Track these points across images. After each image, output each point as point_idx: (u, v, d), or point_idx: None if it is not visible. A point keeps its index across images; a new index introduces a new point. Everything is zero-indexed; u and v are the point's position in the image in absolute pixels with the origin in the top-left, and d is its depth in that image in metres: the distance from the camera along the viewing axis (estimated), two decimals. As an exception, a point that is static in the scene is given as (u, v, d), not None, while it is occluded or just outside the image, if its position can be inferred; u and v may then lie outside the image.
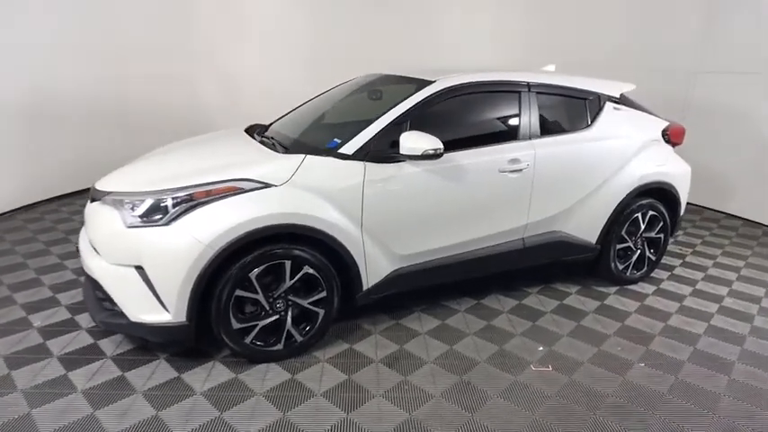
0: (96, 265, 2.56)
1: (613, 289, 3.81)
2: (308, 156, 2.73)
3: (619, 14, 6.39)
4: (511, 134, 3.21)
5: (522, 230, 3.30)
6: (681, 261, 4.44)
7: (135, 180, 2.70)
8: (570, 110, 3.52)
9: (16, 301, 3.35)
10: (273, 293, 2.65)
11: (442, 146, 2.73)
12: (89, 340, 2.90)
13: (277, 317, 2.69)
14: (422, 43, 7.17)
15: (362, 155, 2.77)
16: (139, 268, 2.45)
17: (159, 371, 2.65)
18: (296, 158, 2.70)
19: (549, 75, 3.50)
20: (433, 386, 2.59)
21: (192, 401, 2.43)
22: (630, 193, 3.59)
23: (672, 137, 3.85)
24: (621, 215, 3.64)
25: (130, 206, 2.50)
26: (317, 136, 3.26)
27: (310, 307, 2.75)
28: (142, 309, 2.47)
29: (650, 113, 3.86)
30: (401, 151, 2.73)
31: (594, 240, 3.60)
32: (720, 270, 4.27)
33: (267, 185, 2.57)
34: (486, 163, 3.05)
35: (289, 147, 2.98)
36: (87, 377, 2.58)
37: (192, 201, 2.47)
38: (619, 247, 3.73)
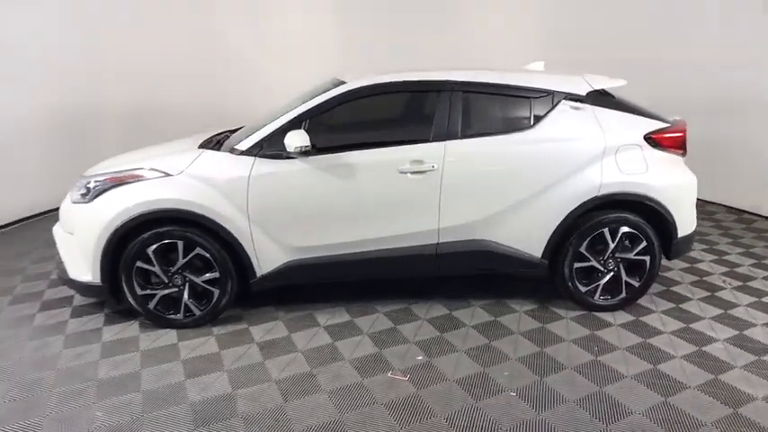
0: (56, 231, 3.28)
1: (574, 314, 3.34)
2: (206, 151, 3.08)
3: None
4: (421, 135, 3.09)
5: (433, 235, 3.14)
6: (706, 294, 3.63)
7: (91, 169, 3.37)
8: (509, 110, 3.21)
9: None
10: (171, 269, 3.05)
11: (308, 144, 2.83)
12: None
13: (176, 290, 3.08)
14: (452, 43, 7.17)
15: (256, 151, 3.00)
16: (73, 236, 3.09)
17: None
18: (194, 153, 3.07)
19: (487, 73, 3.22)
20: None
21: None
22: (585, 203, 3.12)
23: (662, 142, 3.21)
24: (577, 229, 3.18)
25: (77, 187, 3.15)
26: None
27: (205, 285, 3.08)
28: (76, 269, 3.09)
29: (641, 113, 3.28)
30: (286, 149, 2.91)
31: (539, 254, 3.22)
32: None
33: (167, 175, 2.99)
34: (383, 163, 3.01)
35: (221, 145, 3.35)
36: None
37: (106, 185, 3.01)
38: (578, 265, 3.26)
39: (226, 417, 2.37)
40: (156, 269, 3.03)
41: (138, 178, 3.00)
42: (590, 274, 3.31)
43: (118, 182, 3.01)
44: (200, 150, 3.10)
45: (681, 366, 2.77)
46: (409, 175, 3.01)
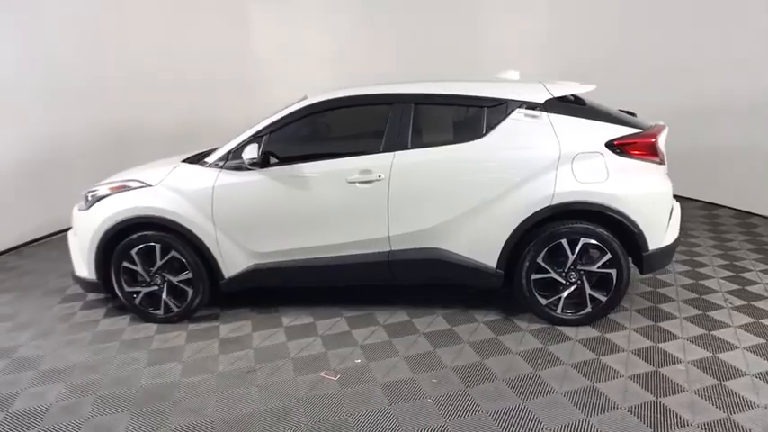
0: (69, 236, 3.79)
1: (535, 326, 3.25)
2: (182, 164, 3.43)
3: None
4: (373, 147, 3.20)
5: (385, 243, 3.22)
6: (696, 313, 3.36)
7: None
8: (461, 120, 3.23)
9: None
10: (152, 269, 3.42)
11: (255, 157, 3.06)
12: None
13: (156, 288, 3.45)
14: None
15: (221, 164, 3.30)
16: (76, 238, 3.58)
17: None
18: (171, 166, 3.43)
19: (439, 84, 3.25)
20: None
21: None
22: (538, 213, 3.05)
23: (627, 149, 3.06)
24: (532, 239, 3.12)
25: (81, 198, 3.64)
26: None
27: (180, 285, 3.42)
28: (79, 267, 3.57)
29: (611, 119, 3.14)
30: (243, 161, 3.18)
31: (495, 264, 3.19)
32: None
33: (147, 185, 3.37)
34: (333, 173, 3.16)
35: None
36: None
37: (100, 195, 3.46)
38: (536, 276, 3.18)
39: (165, 400, 2.64)
40: (139, 269, 3.41)
41: (125, 189, 3.41)
42: (552, 286, 3.21)
43: (110, 192, 3.45)
44: (178, 164, 3.46)
45: (623, 386, 2.62)
46: (358, 184, 3.14)
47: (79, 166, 5.78)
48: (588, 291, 3.15)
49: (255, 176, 3.22)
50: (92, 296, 3.99)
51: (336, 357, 2.99)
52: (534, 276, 3.18)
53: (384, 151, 3.17)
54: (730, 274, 4.01)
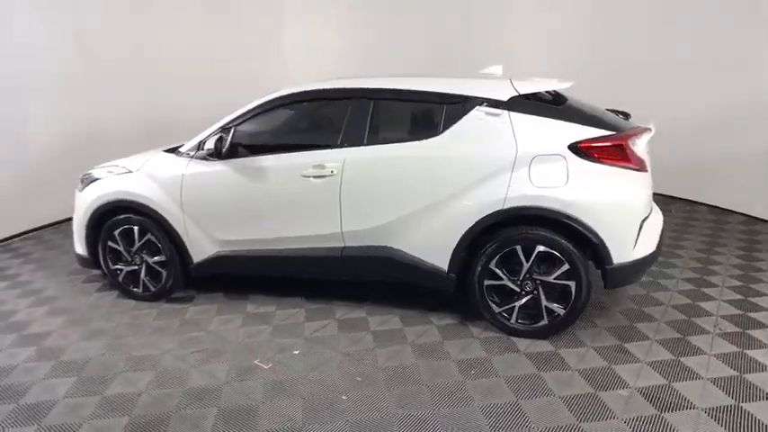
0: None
1: (488, 335, 3.11)
2: (159, 152, 3.63)
3: None
4: (330, 141, 3.20)
5: (338, 239, 3.22)
6: (674, 337, 3.06)
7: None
8: (418, 117, 3.15)
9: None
10: (131, 249, 3.66)
11: (212, 147, 3.17)
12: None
13: (136, 267, 3.69)
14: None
15: (192, 153, 3.46)
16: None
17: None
18: (150, 154, 3.64)
19: (399, 80, 3.18)
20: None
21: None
22: (489, 216, 2.91)
23: (592, 153, 2.83)
24: (485, 244, 2.98)
25: (80, 180, 3.96)
26: None
27: (155, 266, 3.63)
28: (76, 243, 3.91)
29: (586, 119, 2.92)
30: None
31: (446, 267, 3.09)
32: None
33: (129, 171, 3.61)
34: (289, 167, 3.21)
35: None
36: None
37: (93, 178, 3.75)
38: (489, 283, 3.04)
39: (110, 370, 2.84)
40: (121, 248, 3.66)
41: (112, 173, 3.68)
42: (507, 295, 3.05)
43: (100, 176, 3.73)
44: (157, 152, 3.67)
45: (548, 404, 2.46)
46: (311, 179, 3.16)
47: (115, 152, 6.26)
48: (544, 302, 2.97)
49: (219, 167, 3.34)
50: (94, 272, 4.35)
51: (278, 347, 3.05)
52: (488, 282, 3.04)
53: (340, 146, 3.16)
54: (738, 297, 3.60)
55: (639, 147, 2.96)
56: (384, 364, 2.83)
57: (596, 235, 2.81)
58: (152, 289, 3.70)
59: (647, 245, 2.94)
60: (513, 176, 2.88)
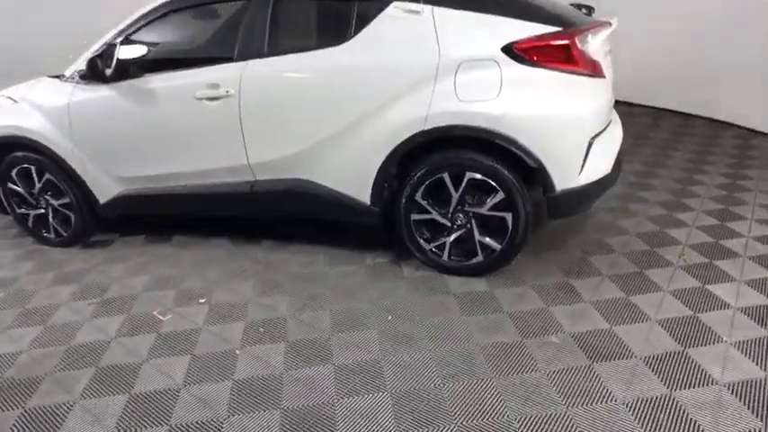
0: None
1: (421, 274, 2.76)
2: (43, 78, 3.14)
3: None
4: (225, 53, 2.69)
5: (246, 172, 2.80)
6: (631, 271, 2.68)
7: None
8: (327, 19, 2.61)
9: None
10: (34, 192, 3.29)
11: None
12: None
13: (42, 211, 3.34)
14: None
15: (76, 77, 2.97)
16: None
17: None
18: (33, 81, 3.16)
19: None
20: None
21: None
22: (410, 139, 2.46)
23: (534, 55, 2.31)
24: (408, 171, 2.56)
25: None
26: None
27: (60, 209, 3.27)
28: None
29: (526, 13, 2.36)
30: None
31: (368, 200, 2.68)
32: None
33: (15, 102, 3.15)
34: (179, 88, 2.72)
35: None
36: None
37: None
38: (417, 217, 2.65)
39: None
40: (22, 190, 3.29)
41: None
42: (439, 229, 2.67)
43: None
44: (43, 78, 3.18)
45: (464, 353, 2.13)
46: (205, 101, 2.69)
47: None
48: (477, 237, 2.58)
49: (106, 91, 2.87)
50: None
51: (185, 295, 2.74)
52: (415, 217, 2.64)
53: (236, 60, 2.66)
54: (714, 222, 3.18)
55: (593, 47, 2.42)
56: (296, 315, 2.50)
57: (533, 157, 2.35)
58: (64, 234, 3.37)
59: (598, 167, 2.49)
60: (436, 89, 2.38)
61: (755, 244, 2.89)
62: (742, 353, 2.06)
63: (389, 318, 2.41)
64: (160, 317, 2.56)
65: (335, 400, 1.93)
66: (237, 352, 2.25)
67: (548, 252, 2.92)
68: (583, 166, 2.42)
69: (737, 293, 2.45)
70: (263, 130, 2.68)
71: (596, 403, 1.85)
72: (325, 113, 2.57)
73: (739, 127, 5.16)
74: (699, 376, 1.95)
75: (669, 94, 5.84)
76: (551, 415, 1.81)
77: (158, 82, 2.77)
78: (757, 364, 1.99)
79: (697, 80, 5.44)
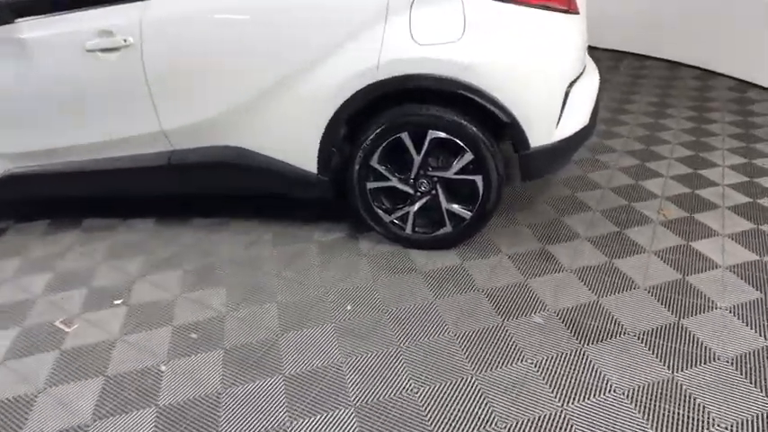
0: None
1: (383, 249, 2.40)
2: None
3: None
4: (122, -9, 2.12)
5: (161, 140, 2.30)
6: (610, 231, 2.44)
7: None
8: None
9: None
10: None
11: None
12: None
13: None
14: None
15: None
16: None
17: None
18: None
19: None
20: None
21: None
22: (360, 94, 2.03)
23: (500, -17, 1.90)
24: (361, 132, 2.14)
25: None
26: None
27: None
28: None
29: None
30: None
31: (314, 169, 2.26)
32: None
33: None
34: (64, 37, 2.14)
35: None
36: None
37: None
38: (374, 185, 2.26)
39: None
40: None
41: None
42: (401, 198, 2.30)
43: None
44: None
45: (437, 344, 1.83)
46: (99, 54, 2.13)
47: None
48: (444, 205, 2.23)
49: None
50: None
51: (96, 297, 2.25)
52: (372, 185, 2.26)
53: (132, 0, 2.09)
54: (687, 170, 2.99)
55: (572, -28, 2.04)
56: (236, 312, 2.10)
57: (505, 111, 1.99)
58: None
59: (576, 118, 2.17)
60: (388, 30, 1.95)
61: (732, 192, 2.72)
62: (740, 320, 1.87)
63: (349, 308, 2.06)
64: (64, 327, 2.08)
65: (289, 424, 1.59)
66: (163, 368, 1.83)
67: (518, 214, 2.63)
68: (560, 119, 2.10)
69: (723, 250, 2.26)
70: (176, 87, 2.16)
71: (593, 396, 1.61)
72: (252, 64, 2.08)
73: (695, 67, 5.01)
74: (700, 352, 1.74)
75: (626, 35, 5.61)
76: (547, 416, 1.55)
77: (36, 30, 2.16)
78: (756, 332, 1.81)
79: (652, 22, 5.22)
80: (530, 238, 2.42)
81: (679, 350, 1.75)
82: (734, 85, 4.43)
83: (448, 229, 2.29)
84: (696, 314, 1.90)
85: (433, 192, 2.23)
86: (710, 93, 4.30)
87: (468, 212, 2.23)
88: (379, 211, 2.31)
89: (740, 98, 4.11)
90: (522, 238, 2.43)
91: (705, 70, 4.89)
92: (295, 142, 2.21)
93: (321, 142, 2.17)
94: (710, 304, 1.95)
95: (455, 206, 2.24)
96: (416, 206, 2.27)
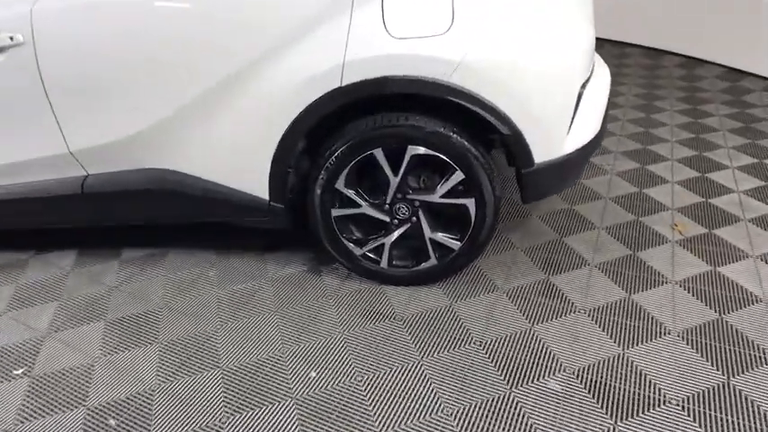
0: None
1: (353, 287, 1.98)
2: None
3: None
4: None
5: (72, 165, 1.80)
6: (623, 255, 2.08)
7: None
8: None
9: None
10: None
11: None
12: None
13: None
14: None
15: None
16: None
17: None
18: None
19: None
20: None
21: None
22: (320, 103, 1.58)
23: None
24: (324, 148, 1.70)
25: None
26: None
27: None
28: None
29: None
30: None
31: (266, 195, 1.80)
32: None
33: None
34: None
35: None
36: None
37: None
38: (341, 213, 1.82)
39: None
40: None
41: None
42: (374, 226, 1.87)
43: None
44: None
45: (429, 425, 1.43)
46: (-22, 55, 1.61)
47: None
48: (428, 234, 1.82)
49: None
50: None
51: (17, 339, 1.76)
52: (337, 213, 1.82)
53: (19, -15, 1.57)
54: (695, 174, 2.66)
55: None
56: (168, 384, 1.64)
57: (505, 119, 1.58)
58: None
59: (589, 125, 1.78)
60: (355, 20, 1.50)
61: (750, 201, 2.41)
62: (794, 373, 1.54)
63: (312, 375, 1.63)
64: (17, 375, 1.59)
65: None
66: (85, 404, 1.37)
67: (511, 234, 2.24)
68: (570, 127, 1.70)
69: (759, 276, 1.93)
70: (83, 97, 1.66)
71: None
72: (180, 68, 1.60)
73: (680, 55, 4.73)
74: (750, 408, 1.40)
75: (605, 21, 5.30)
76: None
77: None
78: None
79: (632, 6, 4.91)
80: (530, 269, 2.03)
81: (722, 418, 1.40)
82: (723, 74, 4.16)
83: (433, 261, 1.88)
84: (745, 372, 1.56)
85: (414, 219, 1.81)
86: (700, 82, 4.01)
87: (458, 242, 1.83)
88: (349, 244, 1.88)
89: (733, 88, 3.84)
90: (521, 268, 2.04)
91: (690, 57, 4.62)
92: (241, 164, 1.75)
93: (273, 162, 1.71)
94: (761, 356, 1.61)
95: (441, 235, 1.83)
96: (394, 236, 1.84)
